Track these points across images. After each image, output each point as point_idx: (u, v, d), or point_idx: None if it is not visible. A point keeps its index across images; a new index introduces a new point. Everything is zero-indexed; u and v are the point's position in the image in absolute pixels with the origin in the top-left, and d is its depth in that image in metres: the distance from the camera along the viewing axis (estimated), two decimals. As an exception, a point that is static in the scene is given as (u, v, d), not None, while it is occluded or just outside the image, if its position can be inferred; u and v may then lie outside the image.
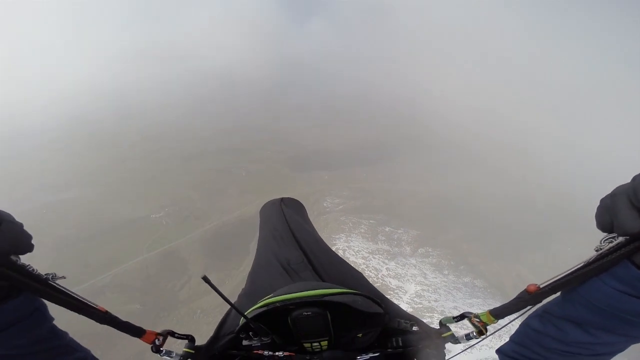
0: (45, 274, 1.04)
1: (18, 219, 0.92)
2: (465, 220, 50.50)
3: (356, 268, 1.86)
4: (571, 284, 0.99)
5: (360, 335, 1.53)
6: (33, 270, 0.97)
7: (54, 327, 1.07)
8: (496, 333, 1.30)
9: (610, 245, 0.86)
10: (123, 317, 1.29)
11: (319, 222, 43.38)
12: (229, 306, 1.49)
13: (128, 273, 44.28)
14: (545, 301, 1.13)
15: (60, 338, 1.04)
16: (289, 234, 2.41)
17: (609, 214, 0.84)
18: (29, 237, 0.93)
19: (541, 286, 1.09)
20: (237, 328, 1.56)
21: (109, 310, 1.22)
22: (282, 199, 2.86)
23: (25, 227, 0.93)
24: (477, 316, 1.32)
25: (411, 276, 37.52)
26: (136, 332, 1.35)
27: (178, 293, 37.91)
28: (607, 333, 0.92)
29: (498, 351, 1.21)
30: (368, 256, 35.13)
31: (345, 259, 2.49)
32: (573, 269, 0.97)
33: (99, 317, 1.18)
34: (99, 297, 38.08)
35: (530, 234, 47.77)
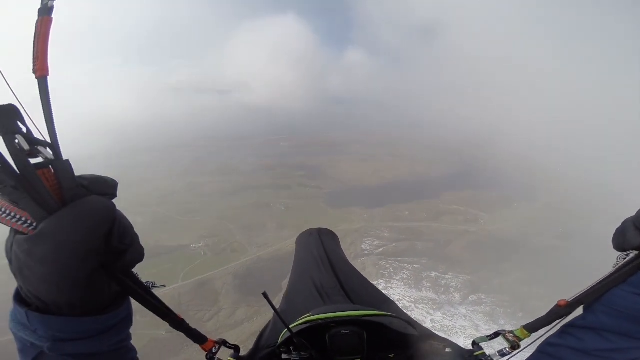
0: (146, 282, 1.18)
1: None
2: (526, 260, 44.95)
3: None
4: (594, 295, 1.11)
5: (392, 356, 1.59)
6: (139, 278, 1.09)
7: None
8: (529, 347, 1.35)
9: (625, 260, 1.04)
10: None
11: (356, 266, 39.81)
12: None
13: (162, 298, 44.60)
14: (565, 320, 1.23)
15: (130, 338, 1.11)
16: (325, 260, 2.58)
17: (620, 236, 1.05)
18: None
19: (569, 300, 1.20)
20: (279, 342, 1.62)
21: (184, 319, 1.37)
22: (319, 229, 3.04)
23: None
24: (511, 332, 1.37)
25: (460, 328, 33.36)
26: (200, 339, 1.47)
27: (206, 324, 37.56)
28: (624, 338, 1.02)
29: None
30: (410, 306, 30.65)
31: (377, 282, 3.00)
32: (596, 282, 1.11)
33: (176, 323, 1.31)
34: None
35: (603, 271, 40.28)
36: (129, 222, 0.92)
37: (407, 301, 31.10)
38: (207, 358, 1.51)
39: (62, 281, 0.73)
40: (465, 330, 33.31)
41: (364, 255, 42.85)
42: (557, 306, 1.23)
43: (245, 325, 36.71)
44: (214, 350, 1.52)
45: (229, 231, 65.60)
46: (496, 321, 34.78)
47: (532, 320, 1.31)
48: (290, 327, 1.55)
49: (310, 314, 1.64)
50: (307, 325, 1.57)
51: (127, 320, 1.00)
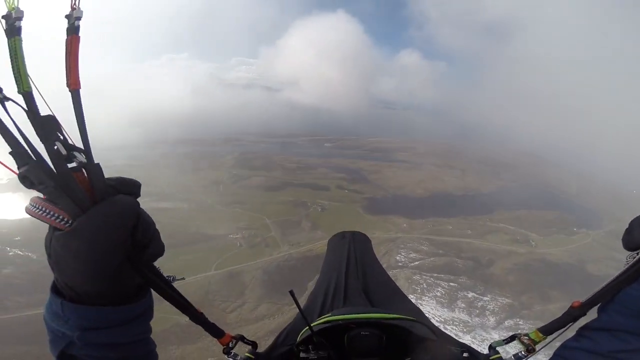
0: (167, 276, 1.22)
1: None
2: (577, 289, 39.93)
3: None
4: (608, 295, 1.12)
5: (408, 359, 1.59)
6: (161, 271, 1.14)
7: None
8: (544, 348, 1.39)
9: (635, 259, 1.05)
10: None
11: (387, 277, 37.95)
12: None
13: (190, 285, 45.80)
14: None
15: (151, 331, 1.15)
16: (353, 262, 2.58)
17: (628, 235, 1.07)
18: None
19: (583, 301, 1.22)
20: (299, 340, 1.65)
21: (203, 312, 1.43)
22: (353, 232, 3.04)
23: None
24: (526, 335, 1.38)
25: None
26: (218, 333, 1.50)
27: (228, 315, 38.01)
28: (638, 337, 1.01)
29: None
30: (439, 326, 27.71)
31: (406, 294, 2.58)
32: (608, 282, 1.12)
33: (195, 316, 1.37)
34: (154, 304, 41.77)
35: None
36: (151, 219, 0.99)
37: (437, 321, 28.24)
38: (224, 352, 1.54)
39: (94, 273, 0.81)
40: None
41: (398, 267, 40.35)
42: (572, 308, 1.24)
43: (266, 321, 36.67)
44: (230, 345, 1.54)
45: (265, 226, 66.60)
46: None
47: (547, 322, 1.34)
48: (313, 324, 1.57)
49: (330, 314, 1.65)
50: (328, 325, 1.58)
51: (149, 311, 1.05)
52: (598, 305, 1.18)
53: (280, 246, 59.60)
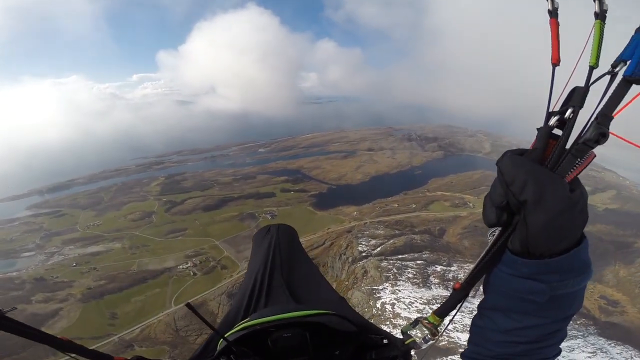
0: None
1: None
2: None
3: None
4: (479, 275, 1.16)
5: (337, 352, 1.62)
6: None
7: None
8: (446, 330, 1.46)
9: (493, 237, 1.06)
10: None
11: (357, 271, 38.09)
12: None
13: (156, 326, 43.41)
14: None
15: None
16: (277, 258, 2.48)
17: (483, 213, 1.05)
18: None
19: (462, 282, 1.25)
20: (217, 352, 1.55)
21: (71, 339, 1.24)
22: (278, 225, 2.91)
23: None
24: (426, 318, 1.43)
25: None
26: (104, 359, 1.31)
27: None
28: (524, 315, 1.03)
29: (462, 355, 1.28)
30: (424, 308, 27.67)
31: (329, 283, 2.57)
32: (477, 262, 1.14)
33: (62, 346, 1.20)
34: (127, 351, 37.21)
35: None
36: None
37: (420, 303, 28.52)
38: None
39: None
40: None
41: (363, 257, 40.49)
42: (454, 289, 1.28)
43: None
44: None
45: (215, 248, 63.63)
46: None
47: (439, 305, 1.39)
48: (226, 335, 1.50)
49: (248, 319, 1.57)
50: (244, 332, 1.49)
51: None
52: (482, 285, 1.20)
53: (239, 264, 57.31)
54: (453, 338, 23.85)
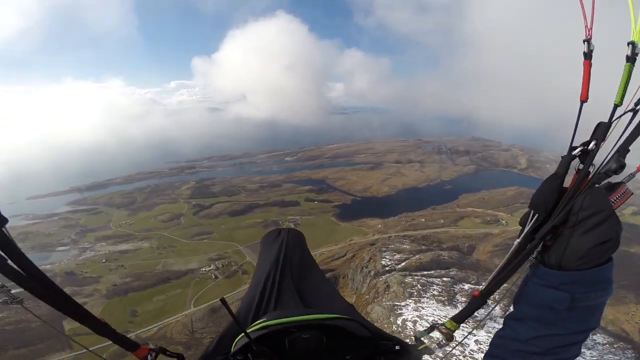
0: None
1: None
2: None
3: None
4: (500, 283, 1.23)
5: (349, 357, 1.62)
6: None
7: None
8: (465, 339, 1.53)
9: (515, 246, 1.16)
10: None
11: (379, 285, 36.44)
12: None
13: (174, 326, 43.96)
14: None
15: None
16: (287, 262, 2.48)
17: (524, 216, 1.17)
18: None
19: (481, 290, 1.31)
20: (235, 349, 1.54)
21: (107, 322, 1.31)
22: (288, 229, 2.89)
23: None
24: (443, 324, 1.46)
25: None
26: (131, 346, 1.40)
27: None
28: (544, 325, 1.10)
29: None
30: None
31: (337, 291, 2.59)
32: (496, 271, 1.22)
33: (98, 328, 1.26)
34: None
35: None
36: None
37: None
38: None
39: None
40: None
41: (386, 272, 38.89)
42: (473, 297, 1.33)
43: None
44: (149, 359, 1.44)
45: (238, 253, 64.33)
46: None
47: (457, 312, 1.43)
48: (246, 331, 1.50)
49: (265, 318, 1.59)
50: (265, 330, 1.51)
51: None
52: (494, 293, 1.29)
53: (260, 271, 56.87)
54: None
